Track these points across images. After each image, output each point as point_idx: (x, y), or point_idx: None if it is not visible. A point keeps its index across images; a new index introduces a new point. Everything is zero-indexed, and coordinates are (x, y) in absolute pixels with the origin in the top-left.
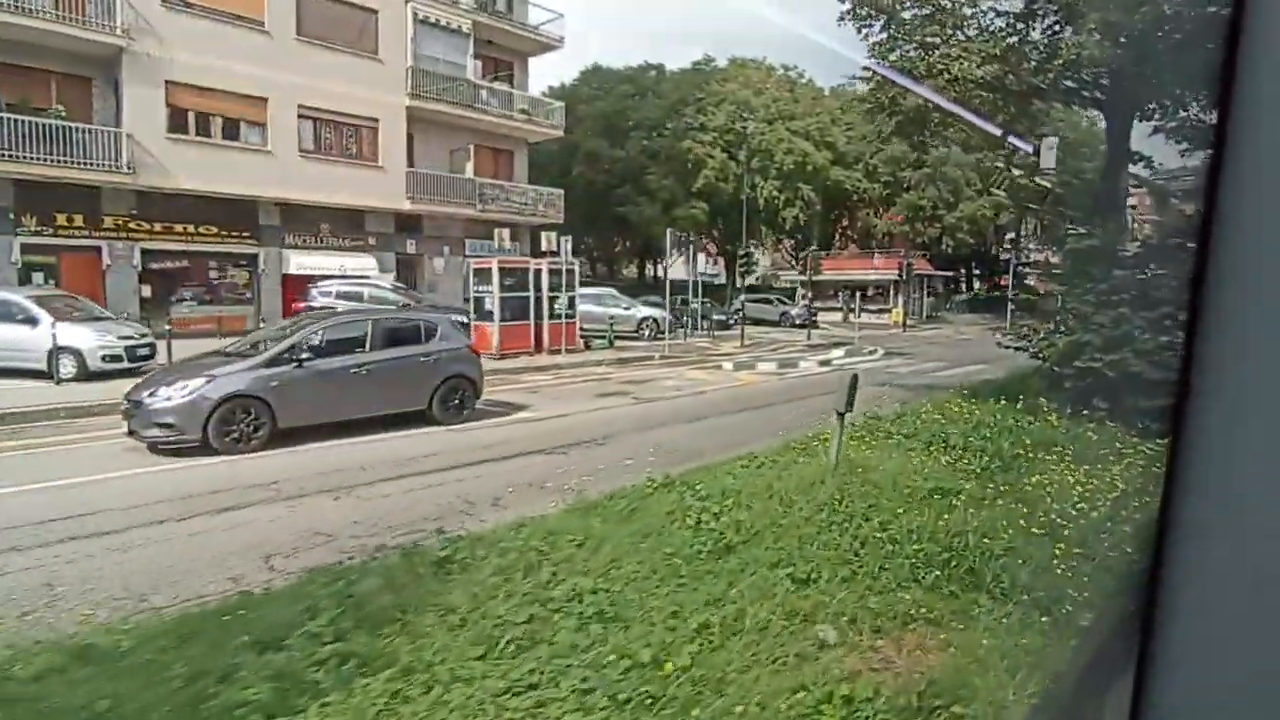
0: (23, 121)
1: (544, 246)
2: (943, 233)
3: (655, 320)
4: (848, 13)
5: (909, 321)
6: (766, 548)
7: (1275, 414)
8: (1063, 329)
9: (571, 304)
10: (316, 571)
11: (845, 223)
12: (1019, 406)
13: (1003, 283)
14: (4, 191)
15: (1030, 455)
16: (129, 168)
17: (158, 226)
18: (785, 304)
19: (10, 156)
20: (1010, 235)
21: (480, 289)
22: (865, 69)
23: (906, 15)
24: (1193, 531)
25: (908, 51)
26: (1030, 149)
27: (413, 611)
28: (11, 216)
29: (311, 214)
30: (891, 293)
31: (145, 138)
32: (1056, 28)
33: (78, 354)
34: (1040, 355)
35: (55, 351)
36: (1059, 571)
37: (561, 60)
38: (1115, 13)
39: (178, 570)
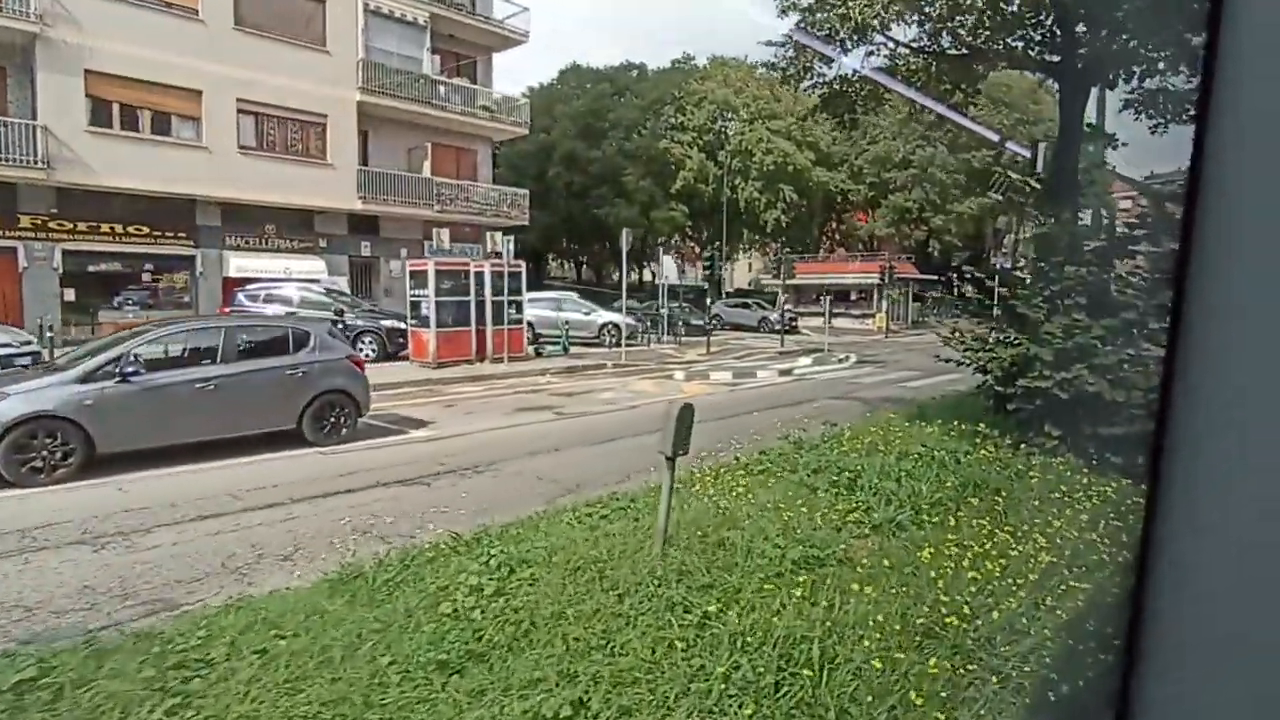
0: None
1: (489, 247)
2: (930, 235)
3: (618, 326)
4: None
5: (893, 327)
6: (532, 655)
7: (1269, 422)
8: (1008, 339)
9: (518, 308)
10: None
11: (832, 225)
12: (963, 431)
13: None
14: None
15: (951, 502)
16: (45, 163)
17: (82, 226)
18: (765, 309)
19: None
20: (1009, 238)
21: (416, 293)
22: (785, 35)
23: None
24: (1178, 562)
25: (831, 14)
26: (1026, 151)
27: None
28: None
29: (255, 214)
30: (875, 297)
31: (63, 131)
32: None
33: None
34: (984, 370)
35: None
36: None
37: (563, 58)
38: None
39: None
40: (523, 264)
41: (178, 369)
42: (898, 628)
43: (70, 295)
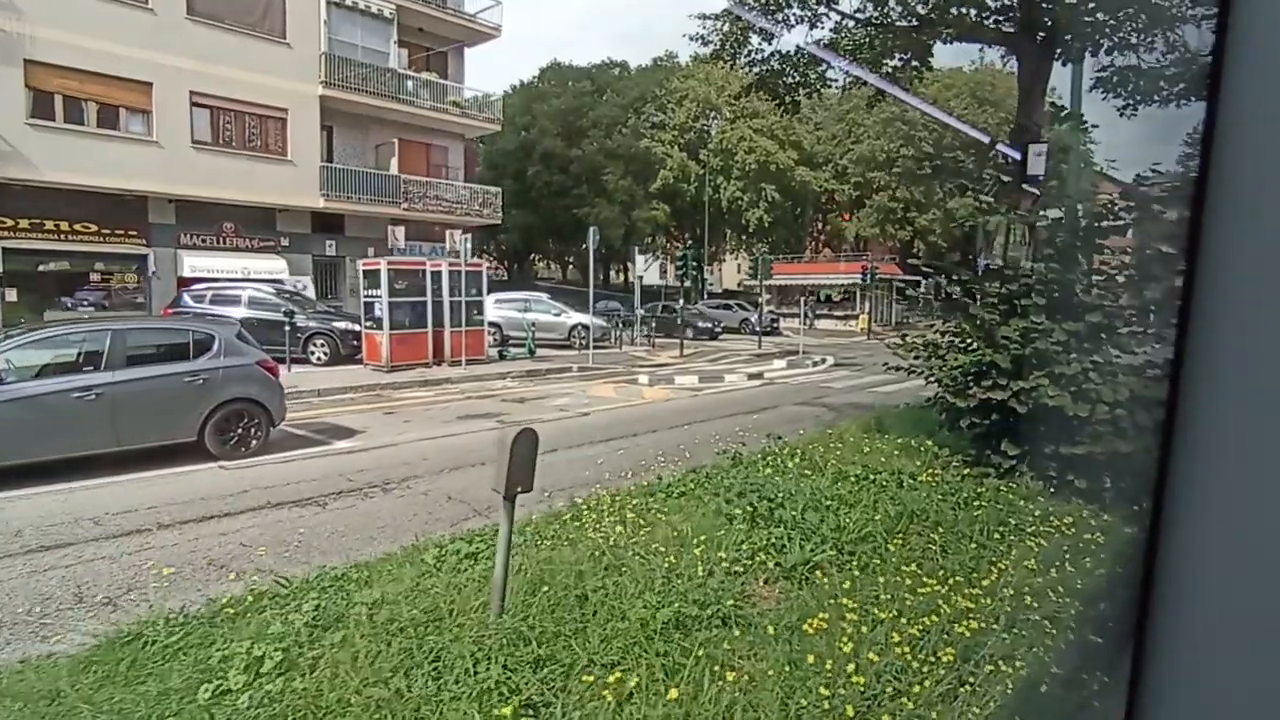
0: None
1: (448, 246)
2: (914, 235)
3: (587, 328)
4: None
5: (876, 328)
6: None
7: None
8: (963, 345)
9: (479, 310)
10: None
11: (817, 226)
12: (916, 448)
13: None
14: None
15: (882, 537)
16: None
17: (24, 224)
18: (746, 310)
19: None
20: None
21: (370, 293)
22: (725, 11)
23: None
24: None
25: None
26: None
27: None
28: None
29: (212, 212)
30: (858, 298)
31: (0, 124)
32: None
33: None
34: (934, 379)
35: None
36: None
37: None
38: None
39: None
40: (483, 263)
41: (55, 376)
42: None
43: (12, 295)
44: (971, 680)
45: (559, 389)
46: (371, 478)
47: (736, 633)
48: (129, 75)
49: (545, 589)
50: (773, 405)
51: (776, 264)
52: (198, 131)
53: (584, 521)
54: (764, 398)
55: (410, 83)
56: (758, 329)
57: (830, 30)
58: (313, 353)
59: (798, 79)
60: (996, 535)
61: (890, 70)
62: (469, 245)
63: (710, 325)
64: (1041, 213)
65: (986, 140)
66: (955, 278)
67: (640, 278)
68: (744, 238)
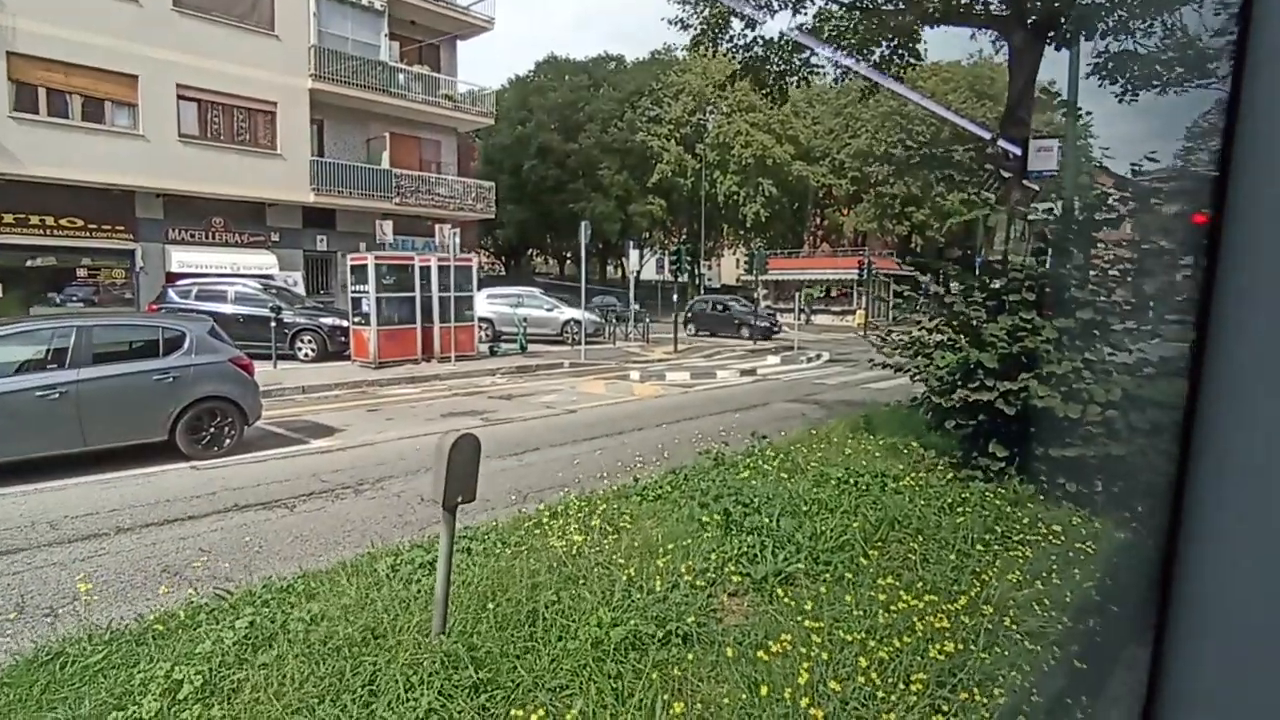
0: None
1: (437, 241)
2: (912, 230)
3: (580, 323)
4: None
5: (873, 323)
6: None
7: None
8: (949, 343)
9: (469, 305)
10: None
11: (816, 220)
12: (902, 448)
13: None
14: None
15: (859, 546)
16: None
17: (8, 218)
18: (744, 305)
19: None
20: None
21: (357, 288)
22: None
23: None
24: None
25: None
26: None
27: None
28: None
29: (200, 206)
30: (855, 293)
31: None
32: None
33: None
34: (920, 378)
35: None
36: None
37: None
38: None
39: None
40: (473, 258)
41: (16, 375)
42: None
43: None
44: (945, 709)
45: (548, 385)
46: (345, 478)
47: (695, 653)
48: (114, 68)
49: (494, 604)
50: (763, 402)
51: (774, 259)
52: (185, 125)
53: (549, 528)
54: (755, 395)
55: (402, 76)
56: (755, 324)
57: (814, 16)
58: (300, 349)
59: (783, 67)
60: (980, 545)
61: (878, 58)
62: (458, 240)
63: (768, 324)
64: (1034, 205)
65: (985, 134)
66: (941, 273)
67: (637, 273)
68: (741, 232)
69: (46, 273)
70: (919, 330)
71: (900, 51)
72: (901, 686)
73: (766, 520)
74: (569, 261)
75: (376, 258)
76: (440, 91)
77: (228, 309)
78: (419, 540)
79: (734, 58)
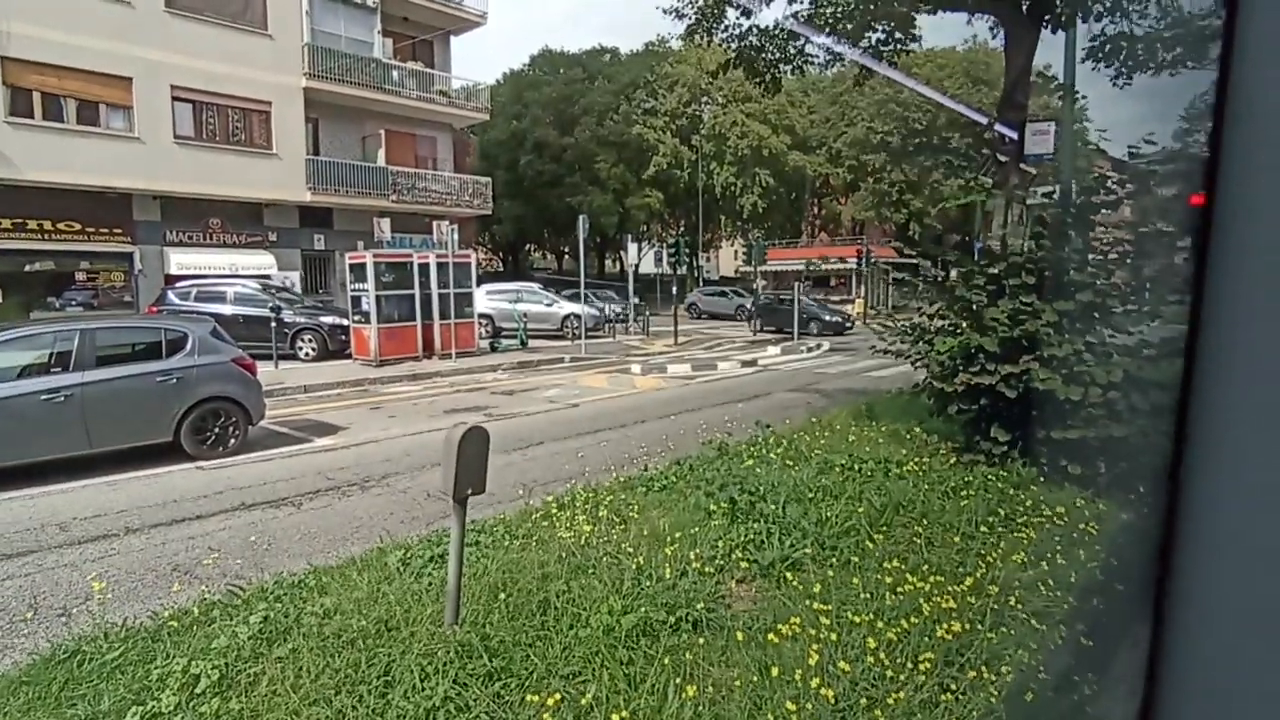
0: None
1: (435, 237)
2: (910, 218)
3: (579, 318)
4: None
5: (872, 312)
6: None
7: None
8: (950, 328)
9: (468, 301)
10: None
11: (813, 210)
12: (905, 435)
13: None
14: None
15: (865, 531)
16: None
17: (5, 224)
18: (742, 297)
19: None
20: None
21: (356, 287)
22: None
23: None
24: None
25: None
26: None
27: None
28: None
29: (197, 208)
30: (853, 282)
31: None
32: None
33: None
34: (921, 363)
35: None
36: None
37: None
38: None
39: None
40: (472, 254)
41: (21, 379)
42: None
43: None
44: (954, 687)
45: (550, 380)
46: (351, 476)
47: (705, 638)
48: (108, 70)
49: (506, 594)
50: (765, 393)
51: (772, 249)
52: (180, 126)
53: (557, 519)
54: (756, 385)
55: (396, 73)
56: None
57: (809, 2)
58: (300, 348)
59: (778, 55)
60: (984, 527)
61: (873, 45)
62: (456, 236)
63: (839, 319)
64: (1032, 189)
65: (982, 119)
66: (941, 259)
67: (635, 266)
68: (739, 223)
69: (45, 277)
70: (920, 316)
71: (896, 36)
72: (910, 666)
73: (772, 508)
74: (567, 256)
75: (375, 256)
76: (434, 88)
77: (227, 310)
78: (428, 535)
79: (729, 47)
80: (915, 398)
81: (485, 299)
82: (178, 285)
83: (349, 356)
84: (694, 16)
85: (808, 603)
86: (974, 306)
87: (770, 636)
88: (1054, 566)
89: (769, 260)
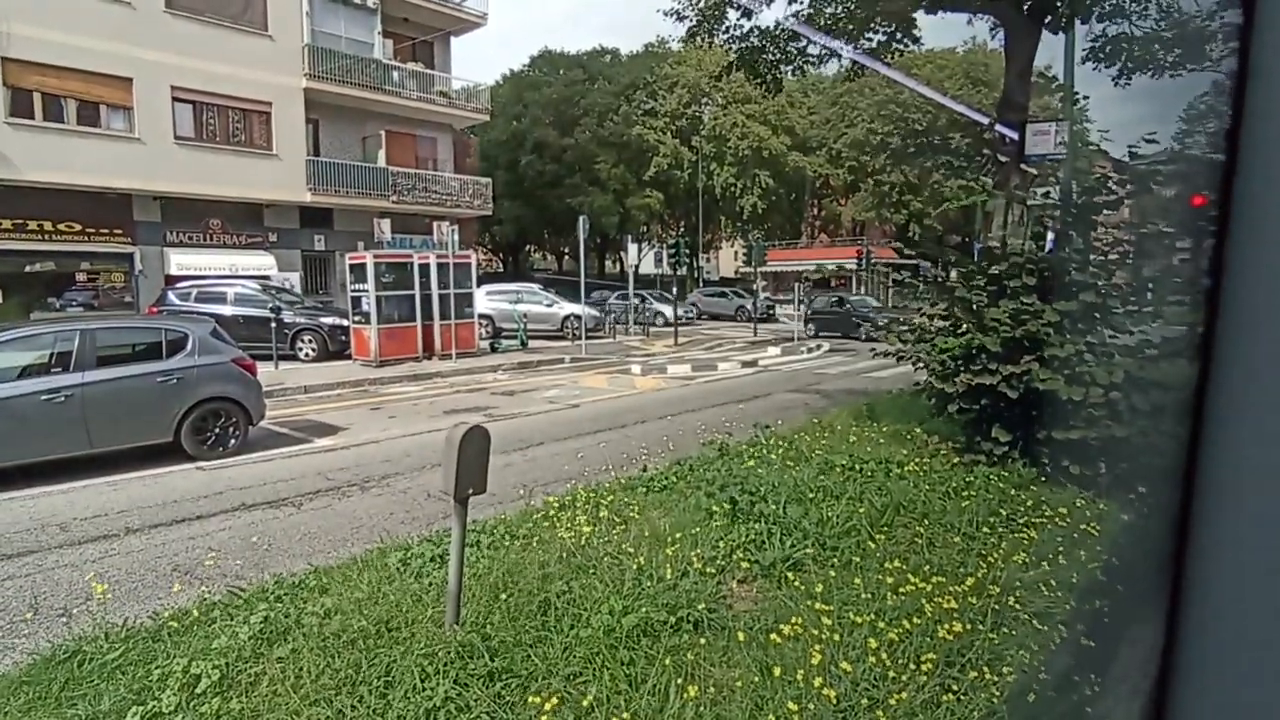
0: None
1: (435, 238)
2: (910, 219)
3: (579, 318)
4: None
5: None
6: None
7: None
8: (951, 329)
9: (468, 302)
10: None
11: (813, 211)
12: (906, 435)
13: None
14: None
15: (866, 531)
16: None
17: (5, 224)
18: (742, 297)
19: None
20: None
21: (356, 287)
22: None
23: None
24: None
25: None
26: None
27: None
28: None
29: (197, 208)
30: (854, 283)
31: None
32: None
33: None
34: (922, 364)
35: None
36: None
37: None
38: None
39: None
40: (472, 255)
41: (22, 380)
42: None
43: None
44: (956, 688)
45: (550, 380)
46: (351, 476)
47: (707, 639)
48: (108, 71)
49: (507, 595)
50: (765, 393)
51: (772, 250)
52: (180, 127)
53: (557, 520)
54: (756, 386)
55: (396, 73)
56: (754, 315)
57: (809, 4)
58: (300, 349)
59: (779, 56)
60: (985, 527)
61: (874, 45)
62: (456, 236)
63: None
64: (1032, 190)
65: (982, 119)
66: (941, 260)
67: (635, 267)
68: (739, 224)
69: (46, 277)
70: (920, 317)
71: (898, 37)
72: (912, 666)
73: (773, 508)
74: (567, 257)
75: (375, 256)
76: (435, 88)
77: (227, 310)
78: (428, 535)
79: (730, 48)
80: (916, 398)
81: (485, 300)
82: (178, 286)
83: (349, 357)
84: (695, 18)
85: (809, 603)
86: (975, 307)
87: (772, 637)
88: (1055, 567)
89: (769, 261)
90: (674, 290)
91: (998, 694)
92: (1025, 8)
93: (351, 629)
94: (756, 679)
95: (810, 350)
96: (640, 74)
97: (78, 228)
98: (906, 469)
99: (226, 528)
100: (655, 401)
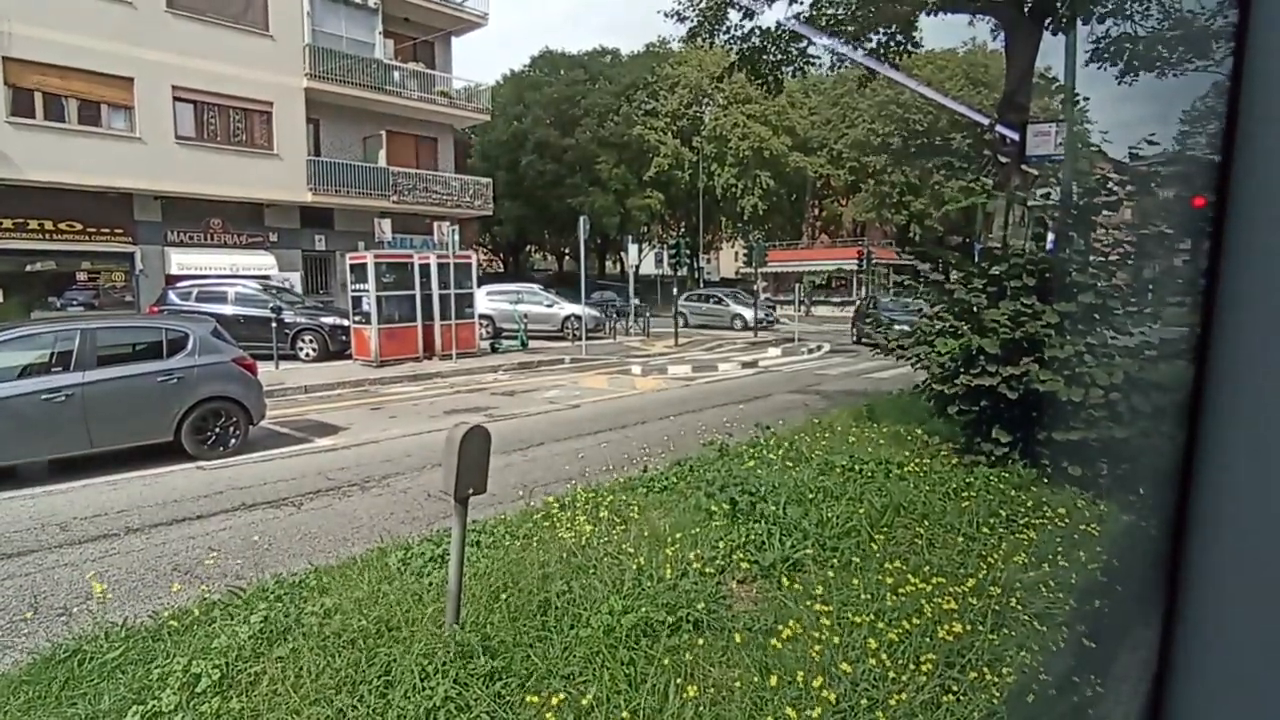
0: None
1: (435, 238)
2: (911, 219)
3: (580, 318)
4: None
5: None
6: None
7: None
8: (950, 329)
9: (469, 302)
10: None
11: (814, 212)
12: (907, 435)
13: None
14: None
15: (866, 532)
16: None
17: (6, 223)
18: (739, 303)
19: None
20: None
21: (357, 287)
22: None
23: None
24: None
25: None
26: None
27: None
28: None
29: (198, 208)
30: (854, 284)
31: None
32: None
33: None
34: (922, 365)
35: None
36: None
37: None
38: None
39: None
40: (473, 255)
41: (22, 379)
42: None
43: None
44: (955, 689)
45: (550, 381)
46: (351, 476)
47: (706, 639)
48: (110, 70)
49: (506, 595)
50: (765, 394)
51: (773, 251)
52: (181, 126)
53: (558, 520)
54: (757, 387)
55: (397, 73)
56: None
57: (810, 4)
58: (301, 348)
59: (780, 57)
60: (985, 528)
61: (875, 46)
62: (456, 237)
63: None
64: (1032, 190)
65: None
66: (941, 261)
67: (636, 267)
68: (740, 225)
69: (46, 277)
70: (920, 318)
71: (898, 38)
72: (911, 667)
73: (773, 508)
74: (567, 257)
75: (376, 256)
76: (435, 88)
77: (228, 310)
78: (429, 534)
79: (731, 49)
80: (916, 399)
81: (486, 300)
82: (179, 285)
83: (349, 357)
84: (696, 19)
85: (809, 603)
86: (974, 308)
87: (772, 641)
88: (1055, 568)
89: (770, 261)
90: (674, 290)
91: (998, 695)
92: (1026, 9)
93: (351, 628)
94: (756, 679)
95: (811, 351)
96: (641, 74)
97: (78, 227)
98: (906, 470)
99: (227, 527)
100: (656, 402)
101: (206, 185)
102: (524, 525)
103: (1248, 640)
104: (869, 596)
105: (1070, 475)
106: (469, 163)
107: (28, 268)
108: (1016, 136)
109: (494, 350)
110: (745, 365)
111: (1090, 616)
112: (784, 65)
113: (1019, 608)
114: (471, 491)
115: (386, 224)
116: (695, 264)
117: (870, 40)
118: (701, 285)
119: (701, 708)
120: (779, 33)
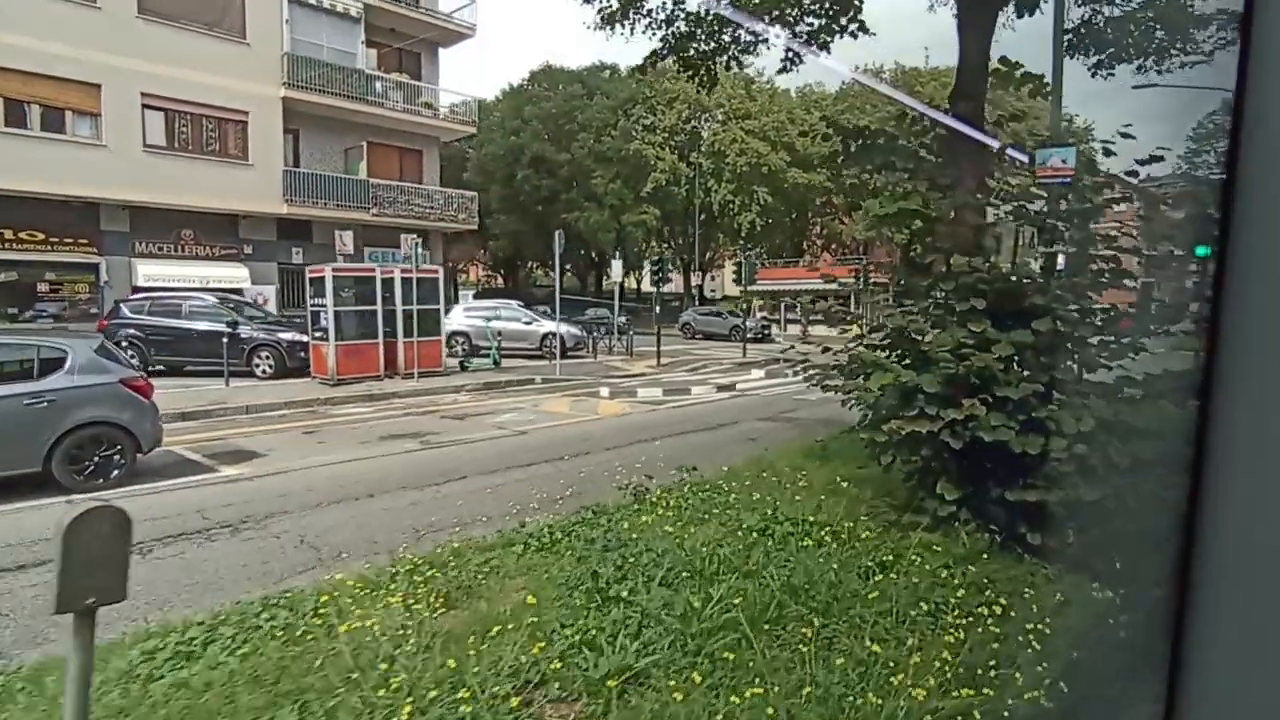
0: None
1: (403, 251)
2: (912, 238)
3: (560, 336)
4: None
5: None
6: None
7: None
8: (893, 359)
9: (435, 319)
10: None
11: (814, 229)
12: (851, 480)
13: None
14: None
15: (739, 631)
16: None
17: None
18: (736, 317)
19: None
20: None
21: (315, 302)
22: None
23: None
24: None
25: None
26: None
27: None
28: None
29: (169, 218)
30: (853, 302)
31: None
32: None
33: None
34: (855, 402)
35: None
36: None
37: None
38: None
39: None
40: (439, 269)
41: None
42: None
43: None
44: None
45: (511, 403)
46: (231, 515)
47: None
48: (76, 77)
49: None
50: (733, 421)
51: (770, 268)
52: (151, 135)
53: (363, 600)
54: (727, 412)
55: (379, 84)
56: (750, 335)
57: None
58: (257, 365)
59: (712, 45)
60: (904, 624)
61: (809, 31)
62: (420, 250)
63: None
64: (993, 197)
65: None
66: (900, 282)
67: (620, 284)
68: (740, 242)
69: (9, 288)
70: (860, 346)
71: (840, 23)
72: None
73: (641, 587)
74: (568, 273)
75: (334, 269)
76: (420, 100)
77: (183, 324)
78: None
79: (653, 35)
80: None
81: (463, 316)
82: (132, 298)
83: (309, 374)
84: (611, 2)
85: None
86: (912, 335)
87: None
88: (989, 691)
89: (765, 280)
90: (656, 308)
91: None
92: None
93: None
94: None
95: (795, 373)
96: (639, 89)
97: (40, 237)
98: (827, 532)
99: (24, 585)
100: (611, 429)
101: (177, 195)
102: (307, 606)
103: None
104: None
105: (1029, 544)
106: (464, 177)
107: None
108: (970, 129)
109: (463, 369)
110: (721, 388)
111: None
112: (717, 55)
113: None
114: (94, 601)
115: (348, 235)
116: (689, 281)
117: (811, 24)
118: (700, 303)
119: None
120: (709, 18)
